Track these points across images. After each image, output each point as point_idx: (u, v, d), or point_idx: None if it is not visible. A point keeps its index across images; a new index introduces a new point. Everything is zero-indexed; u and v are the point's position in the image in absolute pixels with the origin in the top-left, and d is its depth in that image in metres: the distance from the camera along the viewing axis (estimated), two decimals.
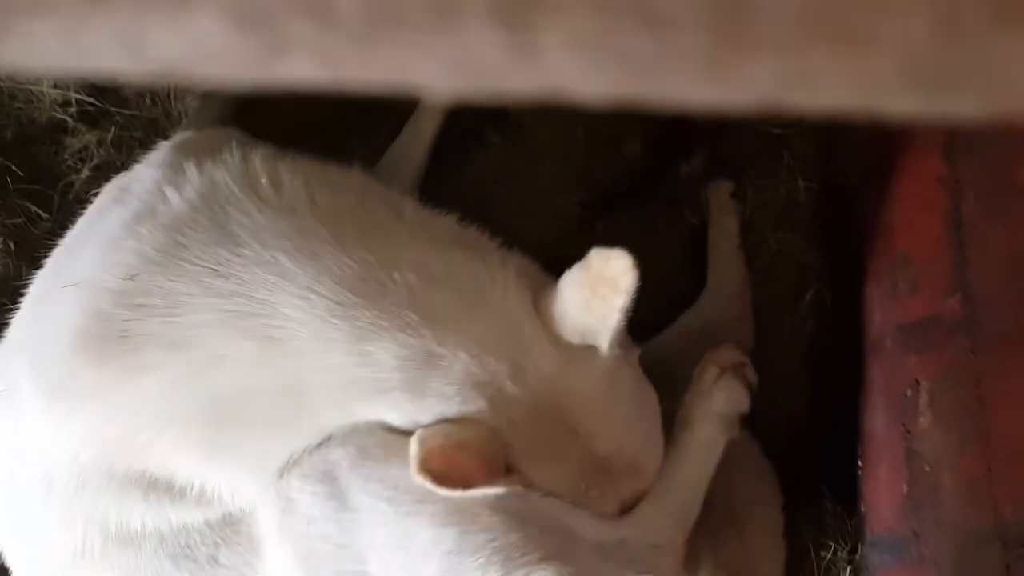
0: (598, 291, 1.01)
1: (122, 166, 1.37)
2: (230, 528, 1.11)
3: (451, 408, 1.01)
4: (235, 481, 1.09)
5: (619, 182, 1.47)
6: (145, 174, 1.12)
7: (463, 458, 0.99)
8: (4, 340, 1.15)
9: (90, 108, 1.48)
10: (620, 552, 1.08)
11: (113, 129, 1.47)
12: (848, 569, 1.25)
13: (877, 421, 1.23)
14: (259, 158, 1.09)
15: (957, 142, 1.07)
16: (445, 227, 1.12)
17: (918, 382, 1.13)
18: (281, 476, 1.07)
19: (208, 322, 0.99)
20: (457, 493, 0.98)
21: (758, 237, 1.43)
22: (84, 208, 1.19)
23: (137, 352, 1.00)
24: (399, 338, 0.99)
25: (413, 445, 0.98)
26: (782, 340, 1.39)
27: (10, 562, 1.16)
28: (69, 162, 1.49)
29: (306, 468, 1.06)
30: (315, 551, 1.05)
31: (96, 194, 1.19)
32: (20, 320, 1.14)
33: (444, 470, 0.97)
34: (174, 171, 1.08)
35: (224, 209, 1.04)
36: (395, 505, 1.03)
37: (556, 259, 1.12)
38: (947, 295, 1.07)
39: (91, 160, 1.47)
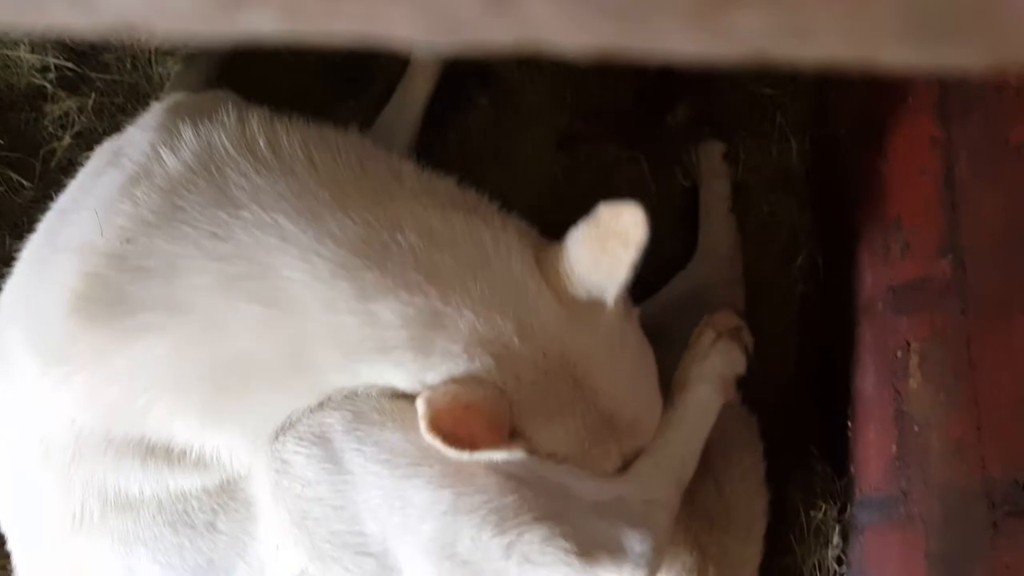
0: (607, 246, 1.01)
1: (104, 133, 1.35)
2: (228, 495, 1.10)
3: (458, 367, 1.01)
4: (233, 445, 1.08)
5: (607, 142, 1.46)
6: (139, 136, 1.10)
7: (470, 419, 0.99)
8: None
9: (69, 73, 1.46)
10: (616, 509, 1.09)
11: (93, 95, 1.45)
12: (837, 528, 1.26)
13: (867, 382, 1.24)
14: (256, 119, 1.07)
15: (950, 103, 1.06)
16: (445, 189, 1.11)
17: (908, 344, 1.13)
18: (277, 438, 1.07)
19: (207, 285, 0.98)
20: (465, 455, 0.98)
21: (750, 200, 1.42)
22: (67, 176, 1.18)
23: (135, 315, 0.99)
24: (403, 297, 0.99)
25: (421, 405, 0.98)
26: (773, 302, 1.39)
27: (8, 529, 1.16)
28: (50, 129, 1.46)
29: (301, 430, 1.06)
30: (310, 512, 1.05)
31: (78, 161, 1.17)
32: (12, 286, 1.12)
33: (452, 431, 0.97)
34: (169, 133, 1.06)
35: (221, 171, 1.02)
36: (391, 468, 1.03)
37: (544, 225, 1.11)
38: (938, 257, 1.06)
39: (72, 127, 1.45)
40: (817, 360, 1.38)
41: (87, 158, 1.18)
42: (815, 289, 1.39)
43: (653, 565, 1.09)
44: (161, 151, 1.04)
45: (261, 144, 1.04)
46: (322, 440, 1.05)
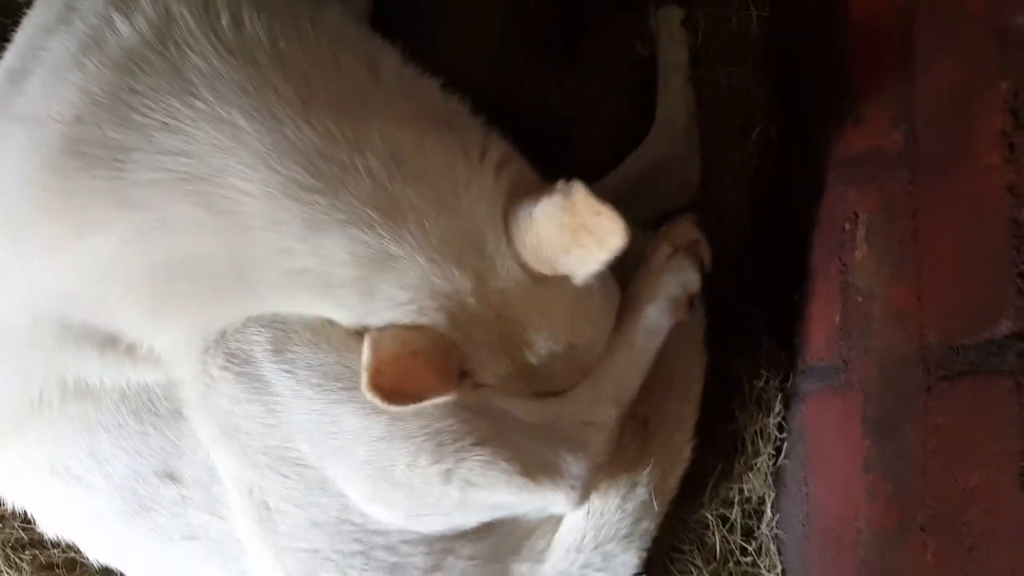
0: (581, 239, 0.95)
1: None
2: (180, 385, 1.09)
3: (404, 316, 0.97)
4: (176, 345, 1.06)
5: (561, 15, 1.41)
6: None
7: (417, 367, 0.95)
8: None
9: None
10: (553, 431, 1.09)
11: None
12: (779, 397, 1.30)
13: (814, 255, 1.25)
14: None
15: None
16: (426, 94, 1.04)
17: (856, 215, 1.13)
18: (207, 350, 1.04)
19: (155, 182, 0.94)
20: (410, 408, 0.95)
21: (708, 70, 1.40)
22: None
23: (87, 209, 0.95)
24: (354, 233, 0.94)
25: (365, 351, 0.94)
26: (727, 175, 1.39)
27: None
28: None
29: (231, 346, 1.03)
30: (240, 427, 1.04)
31: None
32: None
33: (397, 384, 0.93)
34: None
35: (179, 48, 0.94)
36: (323, 392, 1.01)
37: (500, 107, 1.07)
38: (891, 127, 1.06)
39: None
40: (768, 234, 1.39)
41: None
42: (770, 162, 1.39)
43: (588, 486, 1.10)
44: (115, 16, 0.96)
45: (223, 21, 0.96)
46: (250, 360, 1.02)
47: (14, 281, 1.03)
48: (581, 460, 1.09)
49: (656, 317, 1.14)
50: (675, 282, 1.16)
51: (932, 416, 0.93)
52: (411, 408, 0.95)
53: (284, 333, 1.02)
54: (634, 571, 1.21)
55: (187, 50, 0.94)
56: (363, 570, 1.08)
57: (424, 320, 0.97)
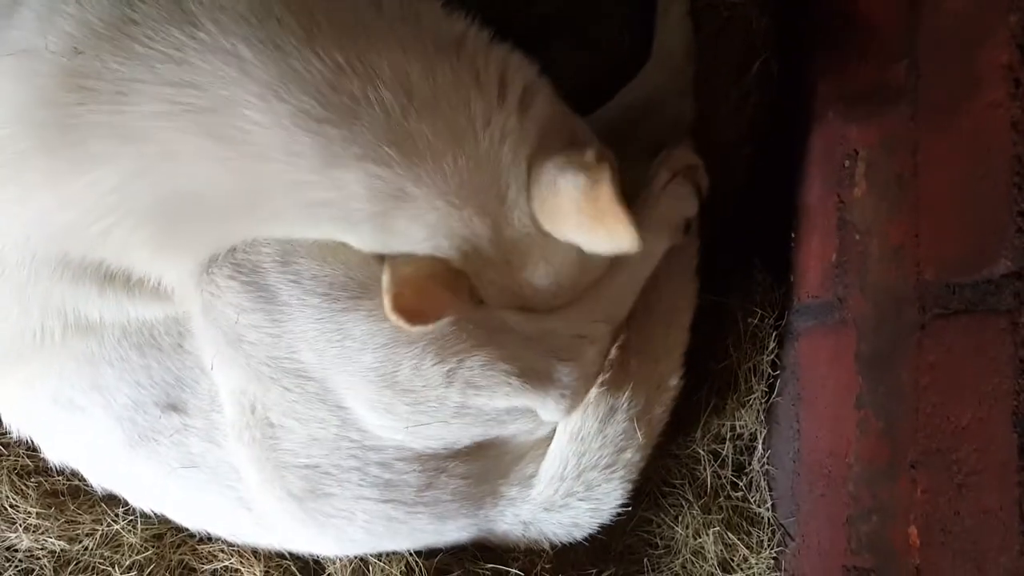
0: (596, 230, 0.98)
1: None
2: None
3: (419, 251, 1.00)
4: (189, 280, 1.06)
5: None
6: None
7: (434, 288, 0.99)
8: None
9: None
10: (547, 341, 1.11)
11: None
12: (774, 335, 1.30)
13: (812, 192, 1.24)
14: None
15: None
16: (429, 18, 1.00)
17: (856, 152, 1.12)
18: (214, 261, 1.05)
19: (160, 114, 0.92)
20: (429, 327, 1.00)
21: (708, 2, 1.36)
22: None
23: (86, 143, 0.93)
24: (370, 169, 0.94)
25: (385, 277, 0.98)
26: (726, 110, 1.36)
27: None
28: None
29: (238, 257, 1.04)
30: (245, 337, 1.05)
31: None
32: None
33: (417, 305, 0.98)
34: None
35: None
36: (330, 301, 1.03)
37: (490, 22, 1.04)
38: (893, 61, 1.04)
39: None
40: (765, 170, 1.37)
41: None
42: (770, 97, 1.36)
43: (577, 396, 1.14)
44: None
45: None
46: (257, 270, 1.03)
47: (8, 218, 1.01)
48: (572, 370, 1.12)
49: (652, 240, 1.15)
50: (672, 206, 1.18)
51: (926, 354, 0.94)
52: (430, 329, 1.00)
53: (291, 246, 1.04)
54: (618, 502, 1.22)
55: None
56: (360, 485, 1.11)
57: (438, 255, 1.01)
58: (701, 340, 1.26)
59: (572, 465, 1.18)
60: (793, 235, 1.28)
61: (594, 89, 1.35)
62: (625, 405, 1.17)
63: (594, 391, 1.15)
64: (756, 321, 1.30)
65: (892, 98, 1.03)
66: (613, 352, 1.17)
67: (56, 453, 1.20)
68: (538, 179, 1.00)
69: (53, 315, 1.07)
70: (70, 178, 0.96)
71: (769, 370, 1.31)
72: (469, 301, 1.05)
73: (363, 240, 1.02)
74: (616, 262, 1.14)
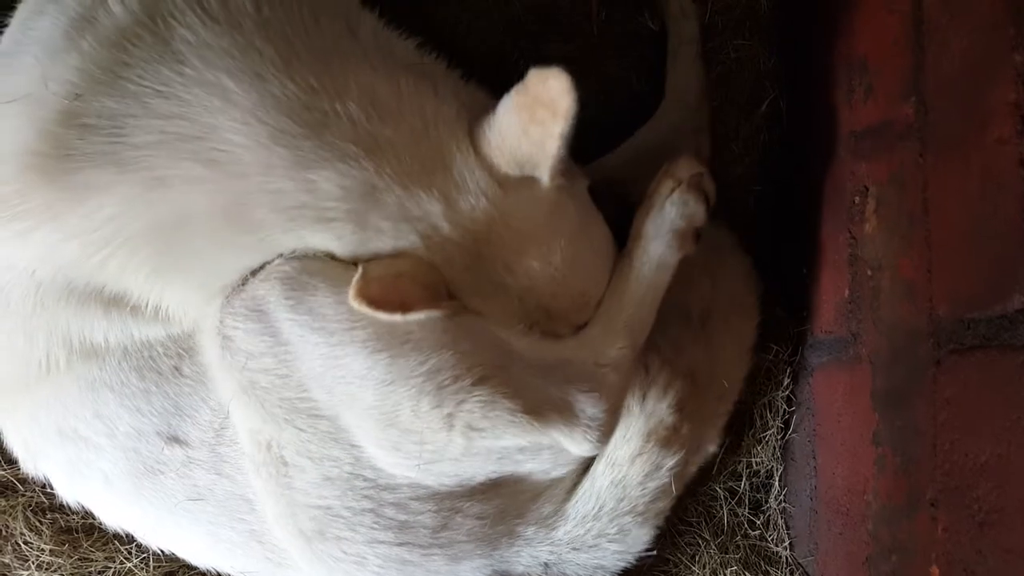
0: (536, 115, 0.97)
1: None
2: (192, 340, 1.11)
3: (385, 244, 1.01)
4: (185, 300, 1.08)
5: None
6: None
7: (403, 284, 0.99)
8: None
9: None
10: (564, 372, 1.08)
11: None
12: (788, 371, 1.30)
13: (824, 228, 1.24)
14: None
15: None
16: (402, 50, 1.08)
17: (866, 188, 1.13)
18: (219, 310, 1.06)
19: (152, 143, 0.97)
20: (397, 317, 0.98)
21: (717, 44, 1.38)
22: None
23: (83, 172, 0.97)
24: (340, 168, 0.98)
25: (356, 277, 0.98)
26: (736, 148, 1.38)
27: None
28: None
29: (236, 305, 1.05)
30: (257, 383, 1.06)
31: None
32: None
33: (383, 296, 0.98)
34: None
35: (167, 22, 0.98)
36: (326, 336, 1.03)
37: (512, 76, 1.06)
38: (902, 100, 1.05)
39: None
40: (777, 207, 1.38)
41: None
42: (778, 135, 1.37)
43: (607, 428, 1.09)
44: None
45: None
46: (258, 312, 1.05)
47: (12, 254, 1.03)
48: (598, 402, 1.07)
49: (663, 251, 1.14)
50: (680, 215, 1.16)
51: (942, 390, 0.93)
52: (399, 319, 0.99)
53: (284, 282, 1.04)
54: (645, 546, 1.23)
55: (174, 23, 0.99)
56: (373, 528, 1.10)
57: (402, 244, 1.02)
58: None
59: (609, 508, 1.19)
60: (805, 271, 1.28)
61: (608, 129, 1.36)
62: (670, 464, 1.20)
63: (649, 446, 1.18)
64: (771, 356, 1.30)
65: (901, 135, 1.04)
66: (671, 417, 1.19)
67: (67, 491, 1.20)
68: (479, 128, 1.02)
69: (58, 342, 1.08)
70: (69, 210, 0.99)
71: (784, 406, 1.30)
72: (443, 297, 1.03)
73: (344, 243, 1.02)
74: (628, 275, 1.13)
